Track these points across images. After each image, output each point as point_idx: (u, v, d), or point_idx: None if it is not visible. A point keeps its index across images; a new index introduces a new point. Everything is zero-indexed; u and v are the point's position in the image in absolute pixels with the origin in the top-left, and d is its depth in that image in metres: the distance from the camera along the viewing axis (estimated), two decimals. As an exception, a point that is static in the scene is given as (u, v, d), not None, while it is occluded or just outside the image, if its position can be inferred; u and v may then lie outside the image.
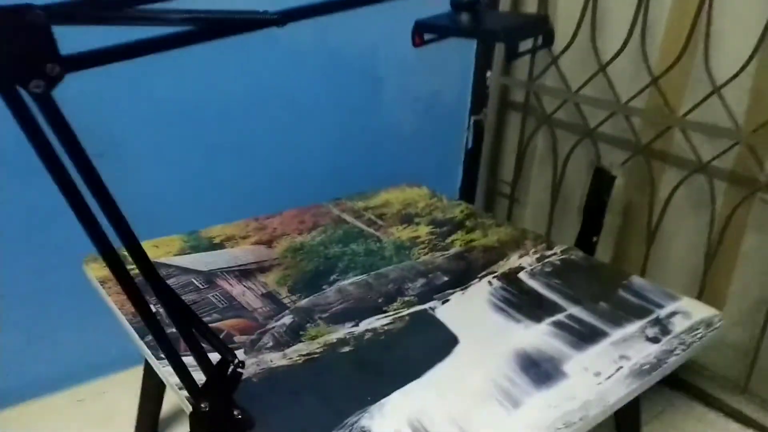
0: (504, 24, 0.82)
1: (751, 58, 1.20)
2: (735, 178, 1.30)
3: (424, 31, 0.82)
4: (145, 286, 0.60)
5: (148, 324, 0.60)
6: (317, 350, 0.84)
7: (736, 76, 1.22)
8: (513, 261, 1.12)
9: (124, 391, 1.34)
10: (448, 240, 1.19)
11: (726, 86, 1.25)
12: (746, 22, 1.22)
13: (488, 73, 1.71)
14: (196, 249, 1.10)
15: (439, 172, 1.82)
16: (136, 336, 0.85)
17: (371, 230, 1.21)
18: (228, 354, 0.64)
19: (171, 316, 0.62)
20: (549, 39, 0.86)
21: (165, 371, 0.78)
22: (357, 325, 0.91)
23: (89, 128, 0.58)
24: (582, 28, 1.47)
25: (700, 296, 1.35)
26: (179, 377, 0.64)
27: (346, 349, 0.85)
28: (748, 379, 1.35)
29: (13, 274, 1.22)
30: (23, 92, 0.50)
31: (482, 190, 1.83)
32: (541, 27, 0.85)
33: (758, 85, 1.24)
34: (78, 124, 0.54)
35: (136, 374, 1.15)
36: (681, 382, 1.42)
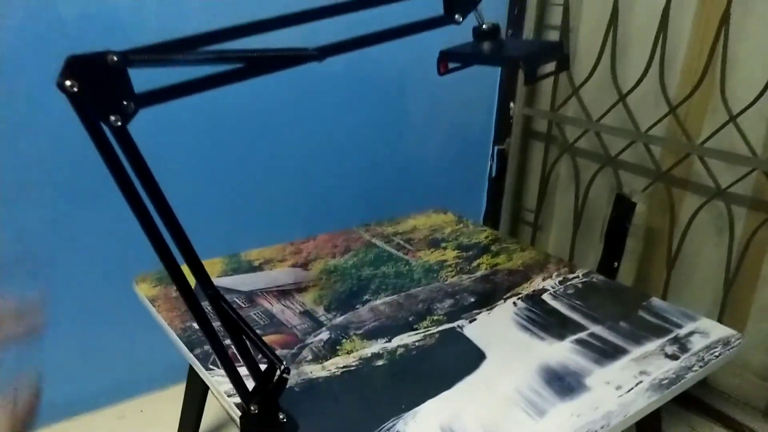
0: (522, 50, 0.87)
1: (766, 87, 1.25)
2: (754, 204, 1.34)
3: (449, 60, 0.89)
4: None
5: (207, 333, 0.66)
6: (353, 363, 0.90)
7: (751, 105, 1.27)
8: (537, 283, 1.16)
9: (163, 409, 1.40)
10: (474, 263, 1.24)
11: (742, 114, 1.29)
12: (761, 52, 1.27)
13: (511, 104, 1.77)
14: (236, 270, 1.17)
15: (465, 199, 1.88)
16: (185, 349, 0.92)
17: (400, 254, 1.27)
18: (275, 361, 0.70)
19: (225, 325, 0.68)
20: (564, 64, 0.92)
21: (214, 380, 0.84)
22: (390, 341, 0.96)
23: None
24: (602, 59, 1.53)
25: (720, 319, 1.38)
26: (232, 382, 0.70)
27: (380, 362, 0.91)
28: (771, 402, 1.37)
29: (64, 292, 1.30)
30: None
31: (506, 217, 1.89)
32: (557, 52, 0.90)
33: (774, 114, 1.28)
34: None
35: (175, 392, 1.21)
36: (703, 406, 1.44)
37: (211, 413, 1.40)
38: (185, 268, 0.65)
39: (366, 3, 0.72)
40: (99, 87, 0.56)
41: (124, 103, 0.58)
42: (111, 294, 1.34)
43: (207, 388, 1.17)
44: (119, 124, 0.58)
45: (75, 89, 0.54)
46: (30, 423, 1.35)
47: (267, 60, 0.66)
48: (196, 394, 1.17)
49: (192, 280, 0.66)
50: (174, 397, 1.37)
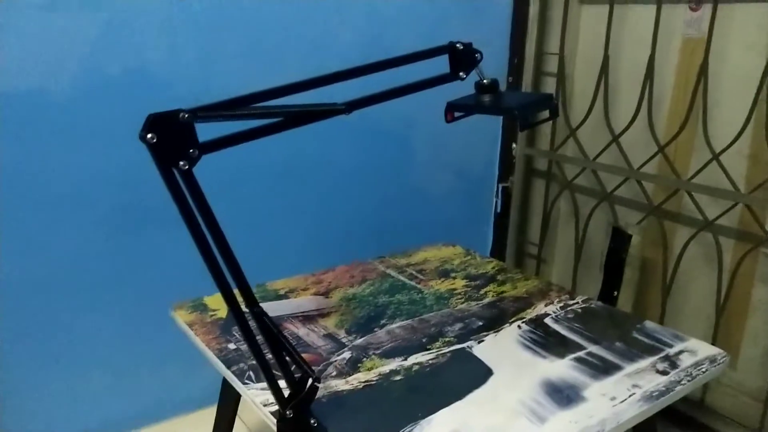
0: (517, 101, 1.00)
1: (743, 128, 1.37)
2: (739, 235, 1.45)
3: (455, 110, 1.01)
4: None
5: (252, 346, 0.77)
6: (373, 378, 1.00)
7: (732, 143, 1.39)
8: (539, 308, 1.27)
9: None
10: (482, 291, 1.35)
11: (725, 152, 1.41)
12: (738, 96, 1.40)
13: (514, 145, 1.91)
14: (264, 299, 1.28)
15: (472, 233, 1.99)
16: (223, 367, 1.03)
17: (413, 283, 1.38)
18: (309, 371, 0.80)
19: (267, 339, 0.79)
20: (555, 112, 1.05)
21: (251, 393, 0.95)
22: (406, 359, 1.07)
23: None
24: (596, 103, 1.67)
25: (713, 343, 1.47)
26: (271, 389, 0.80)
27: (398, 378, 1.01)
28: (762, 423, 1.45)
29: (102, 319, 1.42)
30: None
31: (511, 251, 2.00)
32: (547, 103, 1.03)
33: (754, 151, 1.40)
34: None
35: (198, 417, 1.30)
36: (701, 426, 1.52)
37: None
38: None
39: (386, 65, 0.85)
40: (172, 138, 0.69)
41: (191, 150, 0.70)
42: (145, 321, 1.45)
43: (236, 407, 1.27)
44: (186, 168, 0.70)
45: (154, 140, 0.66)
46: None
47: (305, 114, 0.79)
48: (227, 412, 1.27)
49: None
50: (199, 419, 1.47)
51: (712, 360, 1.08)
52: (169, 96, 1.36)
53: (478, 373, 1.02)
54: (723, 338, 1.50)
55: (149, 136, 0.66)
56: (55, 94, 1.26)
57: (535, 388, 0.98)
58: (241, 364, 1.03)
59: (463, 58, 0.93)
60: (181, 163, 0.70)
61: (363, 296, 1.31)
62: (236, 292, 0.77)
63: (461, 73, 0.94)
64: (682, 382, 1.02)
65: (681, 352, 1.11)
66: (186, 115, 0.69)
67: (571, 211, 1.82)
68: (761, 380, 1.45)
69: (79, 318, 1.39)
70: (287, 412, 0.81)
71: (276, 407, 0.84)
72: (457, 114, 1.02)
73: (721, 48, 1.42)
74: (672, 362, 1.07)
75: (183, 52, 1.36)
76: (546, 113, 1.01)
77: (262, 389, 0.95)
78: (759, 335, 1.46)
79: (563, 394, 0.97)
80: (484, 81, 0.95)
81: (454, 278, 1.41)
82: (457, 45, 0.93)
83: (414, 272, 1.44)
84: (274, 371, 0.81)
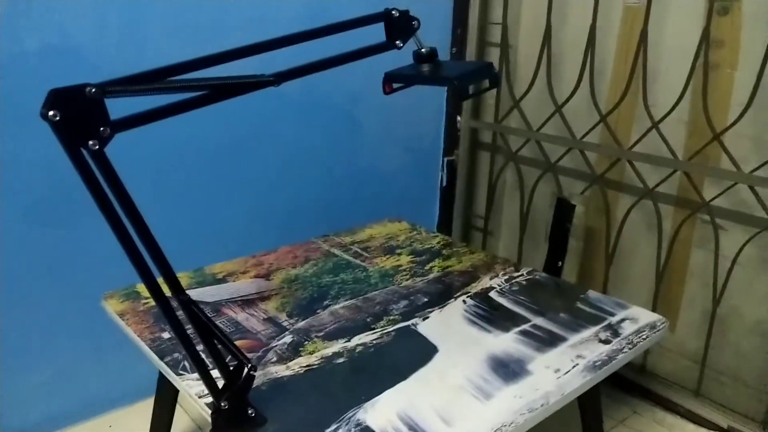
0: (456, 71, 0.97)
1: (681, 96, 1.38)
2: (678, 201, 1.47)
3: (393, 81, 0.97)
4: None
5: (180, 336, 0.73)
6: (316, 362, 0.97)
7: (670, 112, 1.40)
8: (484, 282, 1.26)
9: (133, 423, 1.44)
10: (427, 267, 1.33)
11: (664, 120, 1.42)
12: (676, 64, 1.41)
13: (458, 118, 1.88)
14: (201, 284, 1.23)
15: (418, 208, 1.97)
16: (156, 358, 0.97)
17: (358, 261, 1.35)
18: (243, 359, 0.77)
19: (197, 328, 0.75)
20: (495, 82, 1.01)
21: (185, 385, 0.90)
22: (349, 340, 1.04)
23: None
24: (539, 73, 1.65)
25: (654, 310, 1.50)
26: (204, 381, 0.76)
27: (341, 360, 0.98)
28: (700, 384, 1.49)
29: (36, 315, 1.34)
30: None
31: (458, 224, 1.99)
32: (487, 72, 1.00)
33: (692, 118, 1.41)
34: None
35: (140, 408, 1.25)
36: (643, 390, 1.56)
37: (180, 423, 1.44)
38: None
39: (317, 34, 0.80)
40: (78, 115, 0.63)
41: (101, 129, 0.64)
42: (79, 314, 1.38)
43: (176, 398, 1.23)
44: (96, 148, 0.64)
45: (57, 118, 0.60)
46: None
47: (229, 87, 0.74)
48: (166, 404, 1.22)
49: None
50: (140, 411, 1.41)
51: (652, 326, 1.09)
52: (93, 73, 1.27)
53: (423, 352, 1.00)
54: (663, 303, 1.53)
55: (51, 113, 0.60)
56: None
57: (481, 364, 0.97)
58: (176, 354, 0.98)
59: (401, 26, 0.89)
60: (91, 142, 0.64)
61: (306, 277, 1.27)
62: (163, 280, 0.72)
63: (398, 42, 0.90)
64: (624, 350, 1.02)
65: (623, 320, 1.11)
66: (93, 90, 0.63)
67: (516, 183, 1.82)
68: (699, 342, 1.49)
69: (6, 315, 1.31)
70: (222, 404, 0.77)
71: (212, 398, 0.80)
72: (395, 85, 0.98)
73: (660, 16, 1.42)
74: (614, 331, 1.08)
75: (109, 27, 1.27)
76: (486, 83, 0.97)
77: (197, 380, 0.90)
78: (696, 299, 1.49)
79: (508, 369, 0.96)
80: (422, 50, 0.91)
81: (400, 255, 1.38)
82: (393, 12, 0.89)
83: (359, 250, 1.41)
84: (207, 360, 0.77)
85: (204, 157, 1.47)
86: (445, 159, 1.94)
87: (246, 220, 1.58)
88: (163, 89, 0.70)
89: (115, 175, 0.66)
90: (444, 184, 1.96)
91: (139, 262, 0.68)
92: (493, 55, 1.81)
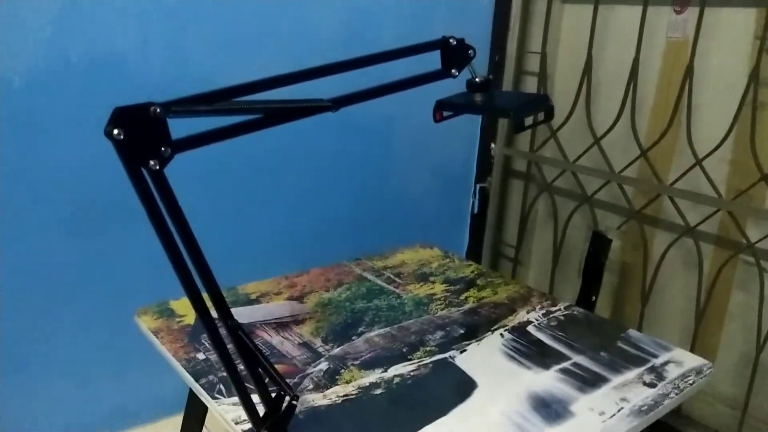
0: (513, 102, 0.96)
1: (728, 134, 1.35)
2: (719, 241, 1.44)
3: (443, 109, 0.96)
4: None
5: (225, 361, 0.71)
6: (353, 392, 0.95)
7: (715, 149, 1.37)
8: (522, 315, 1.23)
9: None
10: (462, 297, 1.30)
11: (707, 158, 1.40)
12: (723, 99, 1.38)
13: (492, 145, 1.87)
14: (235, 303, 1.21)
15: (447, 233, 1.95)
16: (191, 379, 0.96)
17: (391, 287, 1.33)
18: (286, 388, 0.75)
19: (242, 354, 0.73)
20: (550, 114, 1.00)
21: (221, 409, 0.88)
22: (386, 371, 1.01)
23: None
24: (578, 104, 1.64)
25: (692, 350, 1.46)
26: (245, 407, 0.74)
27: (379, 391, 0.95)
28: (740, 431, 1.45)
29: (60, 326, 1.33)
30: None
31: (487, 252, 1.96)
32: (543, 104, 0.98)
33: (736, 158, 1.39)
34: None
35: (161, 427, 1.23)
36: (679, 434, 1.52)
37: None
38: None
39: (373, 60, 0.79)
40: (141, 134, 0.62)
41: (162, 149, 0.63)
42: (103, 326, 1.37)
43: (204, 419, 1.20)
44: (157, 168, 0.63)
45: (121, 137, 0.59)
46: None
47: (287, 111, 0.73)
48: (194, 425, 1.20)
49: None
50: (162, 428, 1.39)
51: (698, 371, 1.06)
52: (136, 87, 1.27)
53: (461, 386, 0.98)
54: (700, 345, 1.49)
55: (116, 131, 0.59)
56: (10, 82, 1.17)
57: (521, 402, 0.94)
58: (211, 377, 0.96)
59: (456, 54, 0.88)
60: (152, 162, 0.63)
61: (339, 301, 1.25)
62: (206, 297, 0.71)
63: (453, 70, 0.89)
64: (670, 395, 0.99)
65: (667, 362, 1.08)
66: (158, 110, 0.62)
67: (550, 213, 1.79)
68: (737, 388, 1.44)
69: (31, 326, 1.30)
70: (262, 433, 0.75)
71: (249, 425, 0.78)
72: (445, 113, 0.96)
73: (705, 51, 1.40)
74: (658, 374, 1.04)
75: (153, 41, 1.28)
76: (542, 115, 0.96)
77: (234, 404, 0.88)
78: (735, 342, 1.45)
79: (551, 409, 0.93)
80: (477, 79, 0.90)
81: (433, 282, 1.36)
82: (450, 40, 0.88)
83: (391, 275, 1.39)
84: (246, 385, 0.75)
85: (236, 174, 1.47)
86: (478, 186, 1.92)
87: (277, 238, 1.57)
88: (226, 111, 0.69)
89: (173, 196, 0.65)
90: (475, 210, 1.94)
91: (191, 286, 0.67)
92: (530, 84, 1.80)
